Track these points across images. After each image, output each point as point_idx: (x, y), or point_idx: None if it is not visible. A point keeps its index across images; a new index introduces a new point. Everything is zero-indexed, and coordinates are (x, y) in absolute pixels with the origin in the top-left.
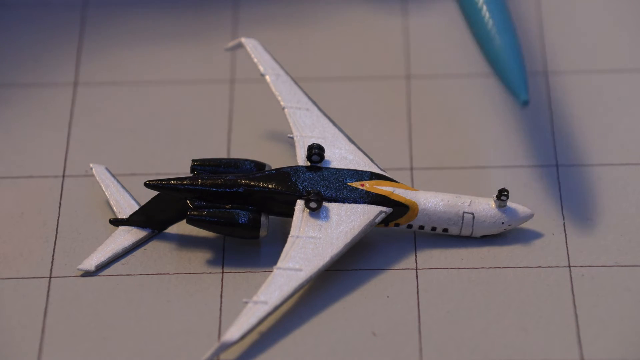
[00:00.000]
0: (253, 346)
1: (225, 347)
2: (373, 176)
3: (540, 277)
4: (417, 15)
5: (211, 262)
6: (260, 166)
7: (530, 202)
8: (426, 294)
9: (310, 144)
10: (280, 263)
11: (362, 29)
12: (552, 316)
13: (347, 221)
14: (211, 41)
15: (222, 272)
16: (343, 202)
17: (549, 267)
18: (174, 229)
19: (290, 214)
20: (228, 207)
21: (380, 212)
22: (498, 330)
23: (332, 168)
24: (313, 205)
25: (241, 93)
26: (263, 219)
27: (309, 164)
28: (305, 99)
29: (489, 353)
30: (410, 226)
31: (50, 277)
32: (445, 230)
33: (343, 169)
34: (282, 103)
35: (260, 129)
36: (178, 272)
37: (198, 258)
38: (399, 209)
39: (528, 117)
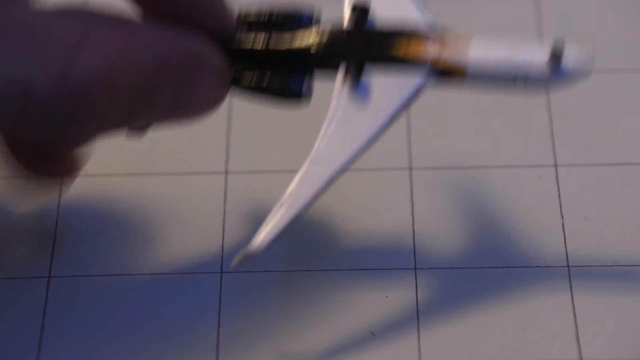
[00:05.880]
0: (252, 346)
1: (251, 257)
2: (418, 37)
3: (539, 277)
4: None
5: (210, 262)
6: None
7: (529, 202)
8: (425, 293)
9: (353, 3)
10: (314, 152)
11: None
12: (550, 316)
13: (387, 95)
14: None
15: (221, 272)
16: (384, 72)
17: (547, 267)
18: (173, 229)
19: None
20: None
21: (425, 82)
22: (497, 330)
23: (375, 31)
24: (353, 77)
25: None
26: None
27: (352, 23)
28: None
29: (487, 353)
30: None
31: (49, 277)
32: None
33: (386, 31)
34: None
35: (258, 128)
36: (177, 272)
37: (197, 258)
38: (446, 75)
39: (527, 117)
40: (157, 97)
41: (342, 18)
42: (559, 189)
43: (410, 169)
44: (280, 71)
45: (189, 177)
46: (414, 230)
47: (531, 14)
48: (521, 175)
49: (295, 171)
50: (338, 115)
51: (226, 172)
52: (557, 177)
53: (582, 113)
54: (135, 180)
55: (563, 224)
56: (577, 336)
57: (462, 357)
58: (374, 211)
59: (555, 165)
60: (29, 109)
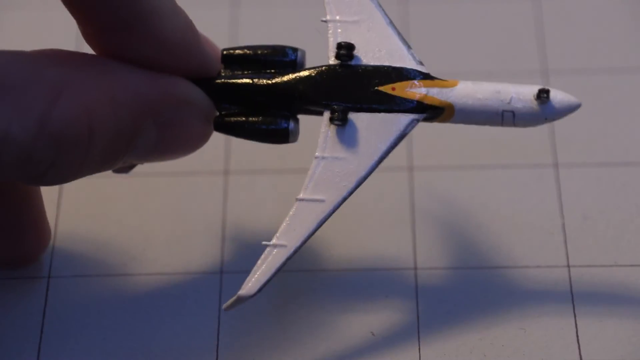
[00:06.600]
0: (252, 346)
1: (242, 301)
2: (404, 75)
3: (539, 277)
4: (417, 15)
5: (210, 263)
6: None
7: (529, 202)
8: (425, 294)
9: (339, 41)
10: (303, 193)
11: None
12: (551, 316)
13: (375, 135)
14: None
15: (221, 273)
16: (371, 111)
17: (548, 266)
18: (173, 229)
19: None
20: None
21: (412, 120)
22: (497, 330)
23: (361, 69)
24: (338, 122)
25: None
26: (292, 124)
27: (338, 62)
28: None
29: (487, 353)
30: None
31: (49, 277)
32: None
33: (373, 69)
34: None
35: None
36: (177, 272)
37: (197, 258)
38: (433, 112)
39: None
40: (139, 139)
41: (327, 56)
42: (559, 189)
43: (411, 169)
44: (266, 107)
45: (189, 177)
46: (414, 230)
47: (531, 14)
48: (521, 175)
49: (295, 171)
50: (326, 154)
51: (226, 172)
52: (557, 177)
53: (582, 113)
54: (135, 181)
55: (563, 224)
56: (577, 336)
57: (462, 358)
58: (374, 211)
59: (555, 165)
60: (7, 155)
